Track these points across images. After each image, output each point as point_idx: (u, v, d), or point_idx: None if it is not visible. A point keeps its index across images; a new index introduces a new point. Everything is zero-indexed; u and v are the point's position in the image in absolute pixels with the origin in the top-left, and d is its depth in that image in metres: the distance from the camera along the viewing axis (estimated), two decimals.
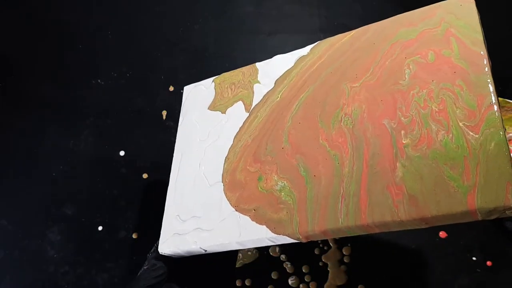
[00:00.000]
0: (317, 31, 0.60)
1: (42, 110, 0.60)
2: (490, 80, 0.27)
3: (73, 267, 0.51)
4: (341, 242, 0.48)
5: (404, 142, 0.28)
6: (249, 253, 0.48)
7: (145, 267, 0.34)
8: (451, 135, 0.27)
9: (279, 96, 0.36)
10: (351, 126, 0.31)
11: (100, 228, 0.52)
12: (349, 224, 0.27)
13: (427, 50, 0.31)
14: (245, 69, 0.39)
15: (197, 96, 0.41)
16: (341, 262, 0.47)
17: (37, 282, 0.51)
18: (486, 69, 0.28)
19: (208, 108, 0.39)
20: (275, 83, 0.37)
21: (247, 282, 0.47)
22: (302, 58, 0.37)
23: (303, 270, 0.47)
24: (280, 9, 0.63)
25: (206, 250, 0.33)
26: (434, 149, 0.27)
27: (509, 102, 0.46)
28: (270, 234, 0.30)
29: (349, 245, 0.48)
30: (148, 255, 0.36)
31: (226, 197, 0.33)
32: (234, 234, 0.31)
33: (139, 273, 0.34)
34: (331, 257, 0.47)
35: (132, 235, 0.52)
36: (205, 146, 0.37)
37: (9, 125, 0.59)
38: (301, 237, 0.29)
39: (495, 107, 0.26)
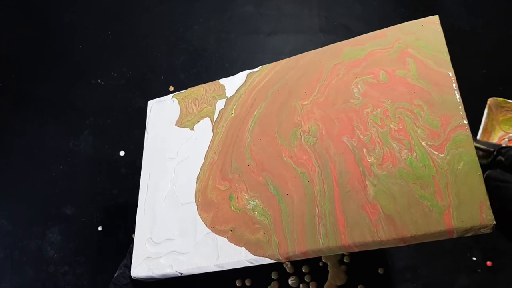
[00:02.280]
0: (317, 31, 0.60)
1: (42, 110, 0.60)
2: (459, 100, 0.27)
3: (73, 267, 0.51)
4: None
5: (369, 160, 0.28)
6: None
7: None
8: (415, 153, 0.27)
9: (232, 112, 0.36)
10: (311, 144, 0.31)
11: (100, 228, 0.52)
12: (330, 245, 0.27)
13: (377, 69, 0.31)
14: (207, 85, 0.39)
15: (162, 111, 0.40)
16: (341, 262, 0.47)
17: (37, 282, 0.51)
18: (454, 89, 0.28)
19: (175, 124, 0.38)
20: (225, 100, 0.37)
21: (247, 282, 0.47)
22: (250, 75, 0.37)
23: (303, 270, 0.47)
24: (280, 9, 0.63)
25: (182, 274, 0.32)
26: (400, 168, 0.27)
27: (509, 102, 0.46)
28: (250, 256, 0.29)
29: None
30: (115, 274, 0.34)
31: (201, 217, 0.32)
32: (212, 257, 0.30)
33: None
34: (331, 257, 0.47)
35: (132, 235, 0.52)
36: (174, 165, 0.36)
37: (9, 125, 0.59)
38: (281, 258, 0.29)
39: (466, 128, 0.26)
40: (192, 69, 0.60)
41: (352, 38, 0.34)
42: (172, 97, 0.40)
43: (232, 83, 0.37)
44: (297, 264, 0.48)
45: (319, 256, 0.31)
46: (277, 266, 0.47)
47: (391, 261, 0.47)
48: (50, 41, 0.64)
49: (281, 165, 0.31)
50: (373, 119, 0.29)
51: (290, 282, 0.47)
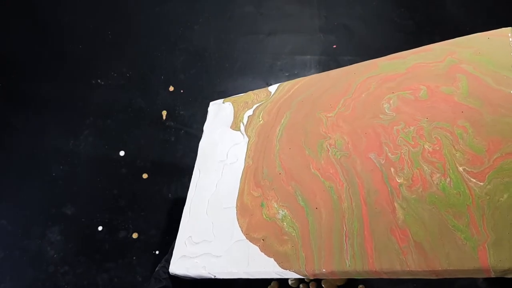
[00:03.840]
0: (317, 31, 0.60)
1: (42, 110, 0.60)
2: None
3: (73, 267, 0.51)
4: None
5: (398, 181, 0.26)
6: None
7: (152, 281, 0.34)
8: (448, 179, 0.24)
9: (260, 119, 0.36)
10: (338, 157, 0.29)
11: (100, 228, 0.52)
12: (357, 268, 0.25)
13: (417, 84, 0.28)
14: (258, 91, 0.39)
15: (220, 113, 0.40)
16: None
17: (37, 282, 0.51)
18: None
19: (230, 127, 0.39)
20: (254, 107, 0.37)
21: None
22: (282, 84, 0.37)
23: None
24: (280, 9, 0.63)
25: (215, 276, 0.31)
26: (431, 193, 0.25)
27: None
28: (277, 268, 0.28)
29: None
30: (156, 268, 0.35)
31: (238, 223, 0.32)
32: (243, 264, 0.30)
33: None
34: None
35: (132, 235, 0.52)
36: (223, 167, 0.36)
37: (9, 125, 0.59)
38: (308, 274, 0.28)
39: None
40: (192, 69, 0.60)
41: (391, 54, 0.31)
42: (228, 101, 0.41)
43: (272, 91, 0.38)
44: None
45: (346, 277, 0.29)
46: None
47: None
48: (50, 41, 0.64)
49: (309, 177, 0.30)
50: (404, 137, 0.27)
51: (290, 282, 0.47)
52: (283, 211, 0.30)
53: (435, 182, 0.25)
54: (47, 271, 0.51)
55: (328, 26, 0.60)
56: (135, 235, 0.52)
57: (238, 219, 0.32)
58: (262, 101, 0.38)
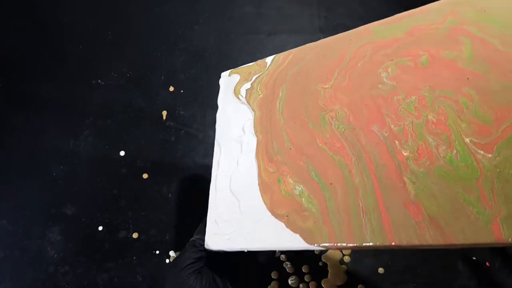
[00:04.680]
0: (317, 31, 0.60)
1: (42, 110, 0.60)
2: None
3: (73, 267, 0.51)
4: None
5: (404, 154, 0.25)
6: None
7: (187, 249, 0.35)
8: (455, 151, 0.23)
9: (259, 92, 0.35)
10: (342, 130, 0.29)
11: (100, 228, 0.53)
12: (377, 243, 0.25)
13: (416, 50, 0.27)
14: (260, 61, 0.38)
15: (230, 85, 0.39)
16: (341, 262, 0.47)
17: (37, 282, 0.51)
18: None
19: (239, 101, 0.37)
20: (253, 80, 0.36)
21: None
22: (277, 56, 0.36)
23: (303, 270, 0.47)
24: (280, 9, 0.63)
25: (247, 250, 0.32)
26: (438, 166, 0.23)
27: None
28: (304, 244, 0.28)
29: None
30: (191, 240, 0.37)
31: (263, 199, 0.31)
32: (272, 240, 0.30)
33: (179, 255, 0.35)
34: (331, 257, 0.47)
35: (132, 235, 0.52)
36: (241, 142, 0.35)
37: (9, 125, 0.59)
38: (333, 248, 0.28)
39: None
40: (192, 69, 0.60)
41: (385, 19, 0.30)
42: (235, 73, 0.39)
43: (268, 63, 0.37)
44: (297, 264, 0.48)
45: (369, 249, 0.29)
46: (277, 266, 0.47)
47: (391, 261, 0.47)
48: (50, 41, 0.64)
49: (317, 151, 0.29)
50: (406, 108, 0.26)
51: (290, 282, 0.47)
52: (299, 186, 0.30)
53: (442, 155, 0.24)
54: (47, 271, 0.51)
55: (328, 26, 0.60)
56: (135, 235, 0.52)
57: (262, 196, 0.32)
58: (260, 72, 0.36)
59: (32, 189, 0.55)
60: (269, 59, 0.37)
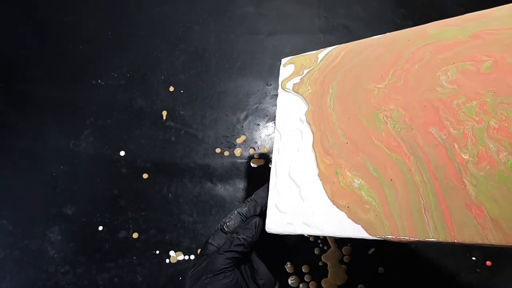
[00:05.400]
0: (317, 31, 0.60)
1: (42, 110, 0.60)
2: None
3: (73, 267, 0.51)
4: (341, 242, 0.48)
5: (464, 157, 0.25)
6: None
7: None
8: None
9: (308, 88, 0.35)
10: (398, 130, 0.28)
11: (100, 228, 0.53)
12: (440, 239, 0.25)
13: (479, 55, 0.26)
14: (312, 53, 0.38)
15: (284, 75, 0.39)
16: (341, 262, 0.47)
17: (37, 282, 0.51)
18: None
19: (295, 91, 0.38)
20: (302, 75, 0.36)
21: None
22: (329, 52, 0.36)
23: (303, 270, 0.47)
24: (280, 9, 0.63)
25: (307, 235, 0.32)
26: (499, 171, 0.23)
27: None
28: (366, 234, 0.28)
29: (349, 245, 0.48)
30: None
31: (324, 188, 0.31)
32: (335, 229, 0.30)
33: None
34: (331, 257, 0.47)
35: (132, 235, 0.52)
36: (301, 131, 0.35)
37: (9, 125, 0.59)
38: (395, 240, 0.28)
39: None
40: (192, 69, 0.60)
41: (441, 21, 0.29)
42: (290, 63, 0.39)
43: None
44: (297, 264, 0.48)
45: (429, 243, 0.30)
46: (277, 266, 0.47)
47: (391, 261, 0.47)
48: (50, 41, 0.64)
49: (374, 148, 0.29)
50: (466, 112, 0.25)
51: (290, 282, 0.47)
52: (358, 180, 0.30)
53: (502, 161, 0.24)
54: (48, 271, 0.51)
55: (328, 26, 0.60)
56: (135, 235, 0.52)
57: (323, 185, 0.32)
58: (310, 67, 0.36)
59: (32, 189, 0.55)
60: (321, 55, 0.36)
